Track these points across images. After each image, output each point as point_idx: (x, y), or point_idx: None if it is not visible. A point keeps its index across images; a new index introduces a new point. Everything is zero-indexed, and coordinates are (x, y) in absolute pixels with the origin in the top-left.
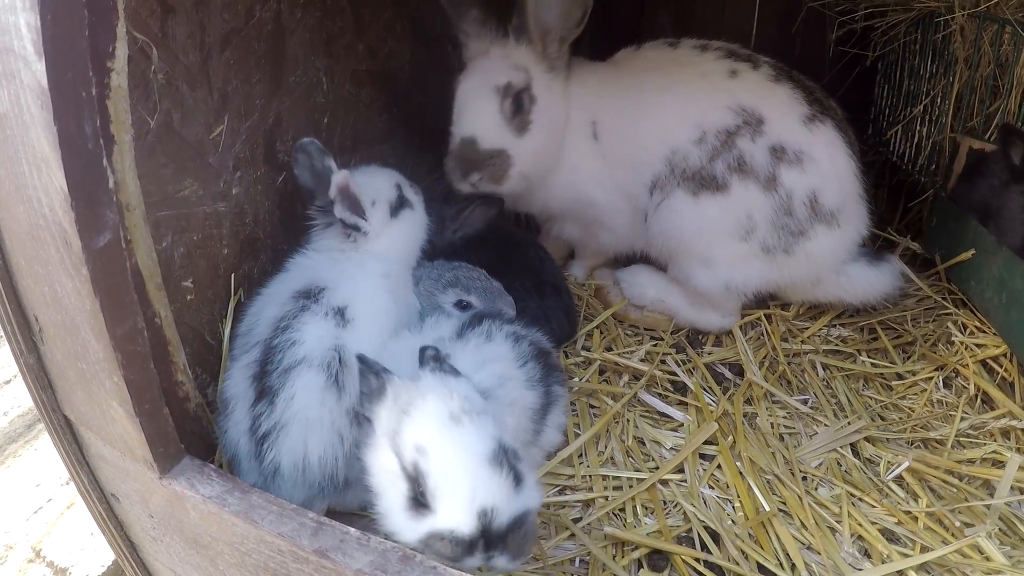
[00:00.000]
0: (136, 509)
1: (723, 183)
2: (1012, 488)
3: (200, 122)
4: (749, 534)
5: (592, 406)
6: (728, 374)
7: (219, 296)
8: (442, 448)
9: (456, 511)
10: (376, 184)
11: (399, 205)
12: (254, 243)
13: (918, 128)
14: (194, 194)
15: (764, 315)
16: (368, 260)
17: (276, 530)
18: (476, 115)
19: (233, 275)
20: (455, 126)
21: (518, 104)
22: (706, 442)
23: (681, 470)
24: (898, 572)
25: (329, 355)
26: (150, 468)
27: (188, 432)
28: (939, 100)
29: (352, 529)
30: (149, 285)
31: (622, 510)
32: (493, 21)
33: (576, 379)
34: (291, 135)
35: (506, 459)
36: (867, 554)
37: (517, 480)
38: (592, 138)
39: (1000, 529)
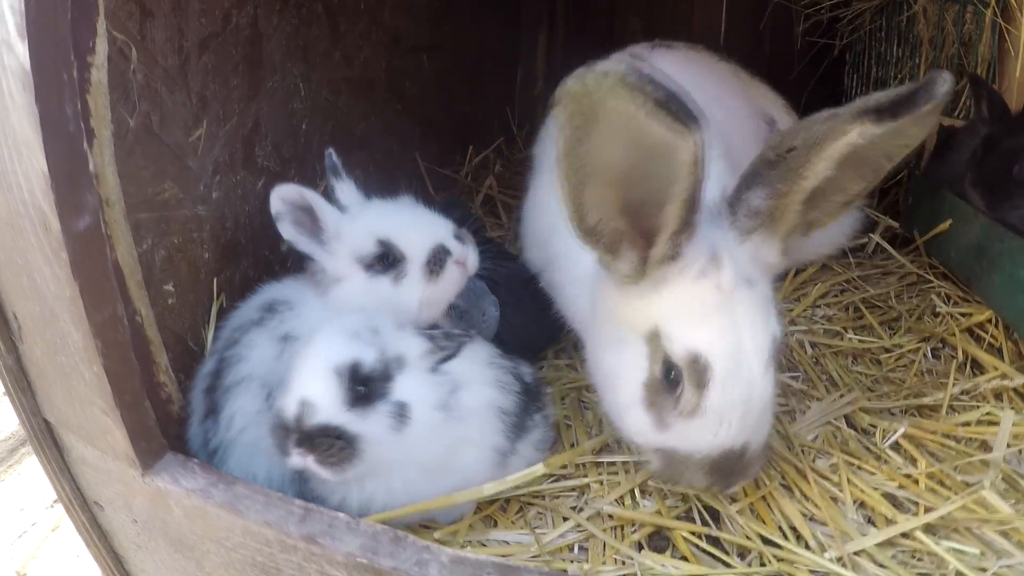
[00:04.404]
0: (120, 515)
1: None
2: (1009, 445)
3: (179, 125)
4: (750, 509)
5: (583, 400)
6: None
7: (201, 301)
8: (306, 347)
9: (286, 394)
10: (357, 226)
11: (375, 267)
12: (235, 248)
13: None
14: (174, 197)
15: None
16: (333, 307)
17: (263, 518)
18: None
19: (215, 280)
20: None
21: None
22: None
23: None
24: (903, 534)
25: (271, 377)
26: (132, 465)
27: (171, 436)
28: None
29: (341, 514)
30: (130, 282)
31: (620, 498)
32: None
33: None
34: (270, 140)
35: (354, 377)
36: (871, 521)
37: (364, 401)
38: None
39: (1003, 488)
